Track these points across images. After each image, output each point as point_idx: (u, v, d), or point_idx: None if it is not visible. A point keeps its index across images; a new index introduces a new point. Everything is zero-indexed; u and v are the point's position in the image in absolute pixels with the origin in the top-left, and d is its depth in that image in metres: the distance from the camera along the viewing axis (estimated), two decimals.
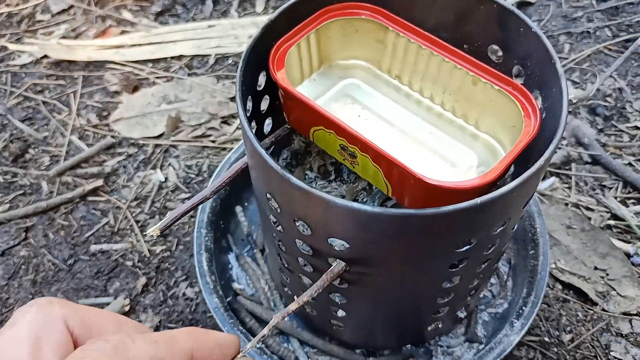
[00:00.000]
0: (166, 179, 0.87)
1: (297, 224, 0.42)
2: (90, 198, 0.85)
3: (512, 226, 0.44)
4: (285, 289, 0.62)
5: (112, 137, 0.92)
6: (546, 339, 0.69)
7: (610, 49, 0.99)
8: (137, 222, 0.82)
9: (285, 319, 0.54)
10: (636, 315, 0.70)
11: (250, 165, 0.45)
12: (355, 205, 0.35)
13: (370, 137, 0.41)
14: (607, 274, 0.73)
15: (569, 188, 0.82)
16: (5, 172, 0.90)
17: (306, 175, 0.54)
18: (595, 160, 0.85)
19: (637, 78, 0.95)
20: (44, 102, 0.98)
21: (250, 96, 0.46)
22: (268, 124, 0.53)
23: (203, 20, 1.11)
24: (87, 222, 0.83)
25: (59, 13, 1.14)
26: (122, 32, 1.09)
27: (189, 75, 1.01)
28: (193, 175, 0.87)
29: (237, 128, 0.92)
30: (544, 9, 1.07)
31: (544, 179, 0.83)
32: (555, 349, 0.68)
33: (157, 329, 0.73)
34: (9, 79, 1.02)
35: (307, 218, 0.40)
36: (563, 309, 0.71)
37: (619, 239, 0.77)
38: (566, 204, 0.80)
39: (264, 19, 1.07)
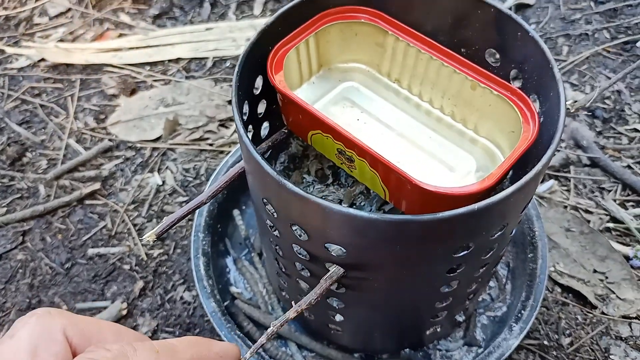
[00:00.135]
0: (164, 182, 0.87)
1: (294, 229, 0.42)
2: (87, 202, 0.85)
3: (510, 230, 0.44)
4: (283, 293, 0.62)
5: (110, 140, 0.92)
6: (545, 342, 0.69)
7: (608, 51, 0.98)
8: (134, 225, 0.82)
9: None
10: (636, 318, 0.70)
11: (247, 170, 0.45)
12: (352, 210, 0.35)
13: (368, 141, 0.41)
14: (607, 277, 0.73)
15: (568, 191, 0.82)
16: (2, 175, 0.89)
17: (304, 179, 0.54)
18: (594, 163, 0.85)
19: (635, 80, 0.95)
20: (41, 106, 0.98)
21: (247, 100, 0.46)
22: (265, 128, 0.53)
23: (201, 23, 1.10)
24: (85, 225, 0.83)
25: (56, 16, 1.14)
26: (120, 35, 1.09)
27: (187, 78, 1.01)
28: (191, 179, 0.87)
29: (235, 131, 0.92)
30: (542, 11, 1.07)
31: (542, 181, 0.83)
32: (554, 353, 0.68)
33: (154, 332, 0.73)
34: (7, 82, 1.02)
35: (303, 223, 0.40)
36: (562, 312, 0.71)
37: (618, 242, 0.76)
38: (565, 207, 0.80)
39: (261, 22, 1.07)
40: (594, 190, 0.82)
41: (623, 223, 0.78)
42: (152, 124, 0.94)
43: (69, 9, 1.15)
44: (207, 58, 1.04)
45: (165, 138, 0.92)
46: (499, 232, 0.41)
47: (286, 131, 0.50)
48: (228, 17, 1.11)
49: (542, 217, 0.68)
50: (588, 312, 0.71)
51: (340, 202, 0.51)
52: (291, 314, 0.39)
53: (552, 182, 0.83)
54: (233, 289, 0.71)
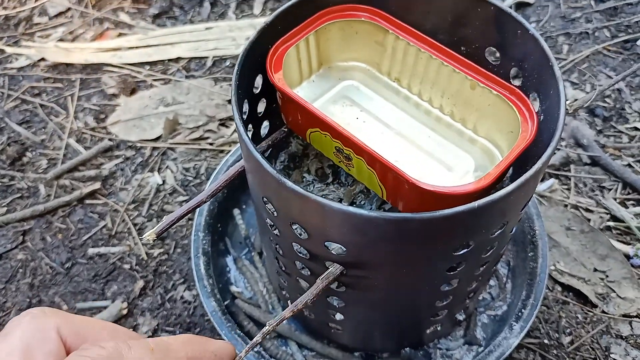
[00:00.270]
0: (164, 181, 0.87)
1: (294, 227, 0.42)
2: (87, 201, 0.85)
3: (510, 228, 0.44)
4: (283, 292, 0.62)
5: (110, 140, 0.92)
6: (546, 341, 0.69)
7: (609, 50, 0.98)
8: (134, 225, 0.82)
9: (284, 322, 0.54)
10: (636, 317, 0.70)
11: (247, 169, 0.45)
12: (351, 209, 0.35)
13: (367, 140, 0.41)
14: (607, 276, 0.73)
15: (568, 189, 0.82)
16: (2, 175, 0.89)
17: (304, 178, 0.54)
18: (594, 162, 0.85)
19: (636, 79, 0.95)
20: (41, 105, 0.98)
21: (247, 99, 0.46)
22: (265, 127, 0.53)
23: (200, 23, 1.10)
24: (85, 225, 0.83)
25: (56, 16, 1.14)
26: (120, 35, 1.09)
27: (187, 77, 1.01)
28: (191, 178, 0.87)
29: (235, 130, 0.92)
30: (543, 9, 1.06)
31: (542, 180, 0.83)
32: (555, 352, 0.68)
33: (154, 332, 0.73)
34: (6, 82, 1.02)
35: (303, 222, 0.40)
36: (562, 311, 0.71)
37: (618, 241, 0.76)
38: (565, 206, 0.80)
39: (261, 21, 1.07)
40: (594, 189, 0.82)
41: (623, 222, 0.78)
42: (152, 123, 0.94)
43: (69, 9, 1.15)
44: (207, 57, 1.04)
45: (165, 137, 0.92)
46: (499, 230, 0.41)
47: (286, 130, 0.50)
48: (228, 17, 1.11)
49: (543, 215, 0.68)
50: (588, 310, 0.71)
51: (340, 200, 0.51)
52: (287, 313, 0.39)
53: (552, 180, 0.83)
54: (233, 288, 0.71)
